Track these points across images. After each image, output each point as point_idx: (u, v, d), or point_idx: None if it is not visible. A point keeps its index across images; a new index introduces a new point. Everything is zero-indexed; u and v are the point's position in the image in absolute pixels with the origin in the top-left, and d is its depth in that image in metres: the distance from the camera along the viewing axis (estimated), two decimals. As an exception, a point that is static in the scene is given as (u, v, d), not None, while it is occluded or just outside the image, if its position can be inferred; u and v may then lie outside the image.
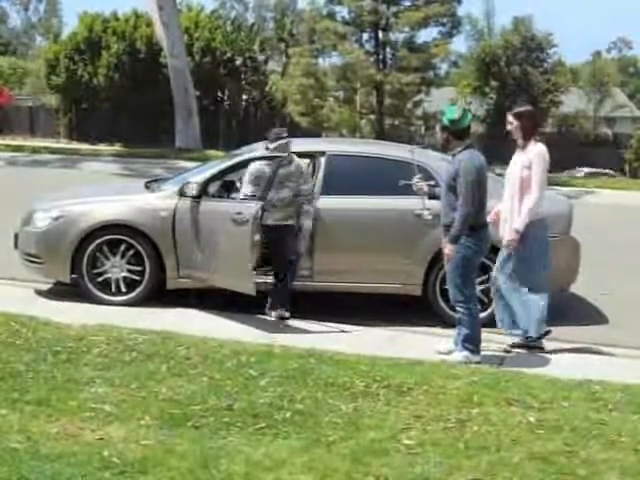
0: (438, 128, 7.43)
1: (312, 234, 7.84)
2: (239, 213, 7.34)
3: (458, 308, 6.73)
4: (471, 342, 6.69)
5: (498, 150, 32.32)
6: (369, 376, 5.77)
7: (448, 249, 6.60)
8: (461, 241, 6.53)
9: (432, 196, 7.22)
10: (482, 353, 6.73)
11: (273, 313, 7.71)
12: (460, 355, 6.68)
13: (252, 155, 8.06)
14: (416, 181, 7.23)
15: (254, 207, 7.38)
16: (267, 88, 37.58)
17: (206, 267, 7.69)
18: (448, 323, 7.47)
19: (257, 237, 7.56)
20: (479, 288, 7.77)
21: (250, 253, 7.38)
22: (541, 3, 76.07)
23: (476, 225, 6.56)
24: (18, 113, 37.17)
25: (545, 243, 7.00)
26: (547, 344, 7.33)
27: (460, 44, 56.44)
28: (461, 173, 6.49)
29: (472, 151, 6.66)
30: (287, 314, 7.69)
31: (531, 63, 36.06)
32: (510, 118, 6.96)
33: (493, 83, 35.78)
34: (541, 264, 6.92)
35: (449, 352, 6.81)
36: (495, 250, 7.13)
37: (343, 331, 7.50)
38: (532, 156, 6.85)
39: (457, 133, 6.65)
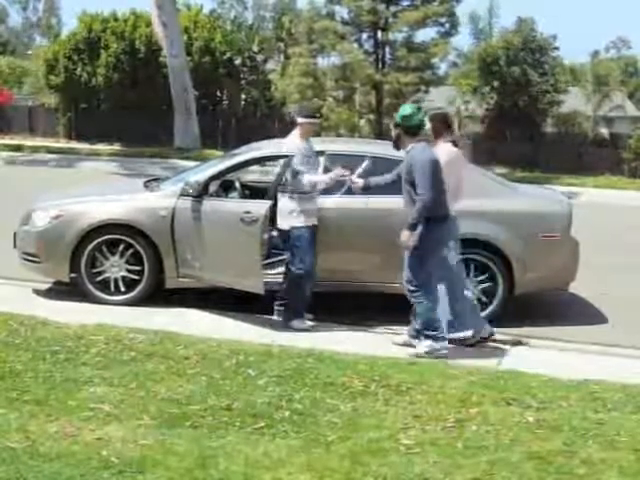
0: (391, 125, 7.59)
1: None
2: (248, 212, 7.35)
3: (412, 298, 6.80)
4: (430, 329, 6.70)
5: (497, 150, 32.53)
6: (368, 376, 5.77)
7: (403, 235, 6.66)
8: (418, 231, 6.61)
9: None
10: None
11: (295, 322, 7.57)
12: (423, 346, 6.69)
13: (255, 154, 8.02)
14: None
15: (264, 206, 7.38)
16: (266, 88, 37.59)
17: (210, 266, 7.63)
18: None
19: (266, 236, 7.54)
20: (479, 287, 7.78)
21: (259, 252, 7.38)
22: (541, 2, 76.04)
23: (435, 217, 6.63)
24: (17, 113, 37.18)
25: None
26: (547, 344, 7.35)
27: (461, 42, 56.45)
28: (414, 164, 6.63)
29: (424, 145, 6.79)
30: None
31: (531, 64, 36.05)
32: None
33: (494, 83, 35.74)
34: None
35: (405, 344, 6.85)
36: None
37: (342, 331, 7.50)
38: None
39: (408, 129, 6.79)
